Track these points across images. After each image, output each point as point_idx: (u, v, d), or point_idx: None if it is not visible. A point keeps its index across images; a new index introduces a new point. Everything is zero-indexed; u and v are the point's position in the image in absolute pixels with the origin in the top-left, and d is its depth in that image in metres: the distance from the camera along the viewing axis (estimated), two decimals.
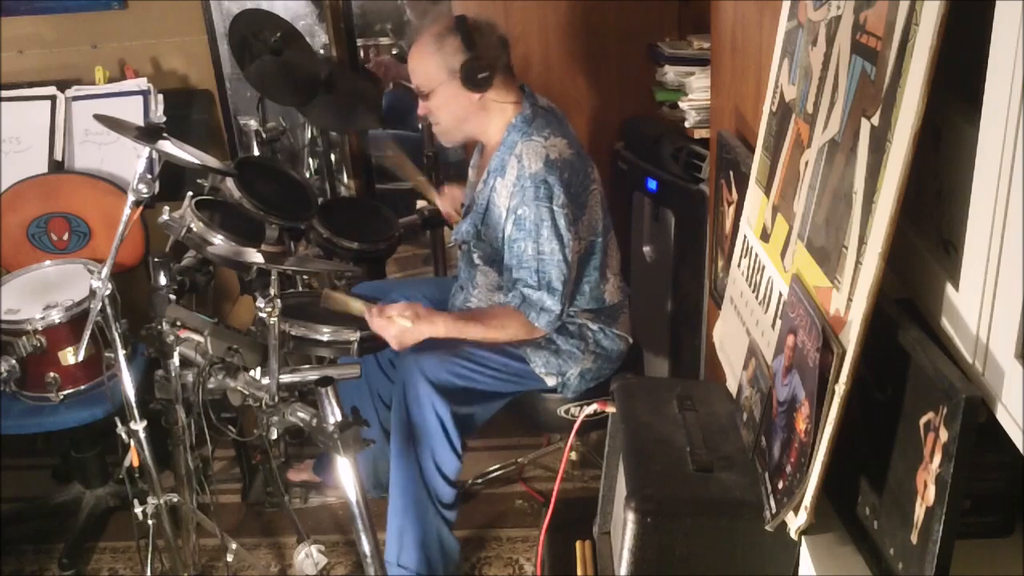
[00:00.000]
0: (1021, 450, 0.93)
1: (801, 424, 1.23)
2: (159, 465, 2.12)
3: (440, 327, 2.13)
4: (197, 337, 1.98)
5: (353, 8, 3.06)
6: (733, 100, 2.07)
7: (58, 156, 2.84)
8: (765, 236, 1.55)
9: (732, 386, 1.67)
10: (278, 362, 1.93)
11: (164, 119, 2.81)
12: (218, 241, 2.06)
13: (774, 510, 1.30)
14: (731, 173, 1.93)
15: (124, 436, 2.05)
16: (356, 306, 2.11)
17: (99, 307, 1.96)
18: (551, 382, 2.29)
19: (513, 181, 2.16)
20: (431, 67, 2.18)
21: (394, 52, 3.60)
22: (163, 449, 2.16)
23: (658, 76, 2.72)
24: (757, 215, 1.61)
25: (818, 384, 1.18)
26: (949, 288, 1.10)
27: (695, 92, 2.56)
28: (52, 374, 2.43)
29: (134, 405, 2.03)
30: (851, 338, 1.13)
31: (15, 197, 2.76)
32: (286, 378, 1.99)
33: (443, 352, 2.21)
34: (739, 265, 1.70)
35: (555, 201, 2.11)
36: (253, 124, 2.73)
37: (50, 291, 2.52)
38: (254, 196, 2.33)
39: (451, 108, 2.22)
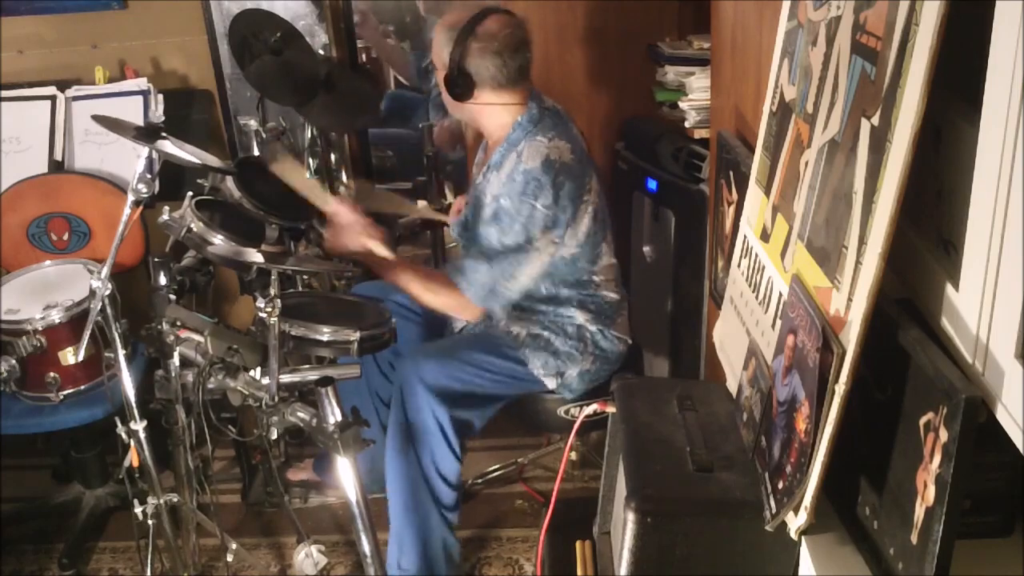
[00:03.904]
0: (1021, 450, 0.93)
1: (801, 424, 1.23)
2: (159, 465, 2.13)
3: (394, 267, 2.18)
4: (197, 337, 1.98)
5: (353, 8, 3.06)
6: (733, 100, 2.07)
7: (58, 156, 2.84)
8: (765, 236, 1.54)
9: (732, 386, 1.67)
10: (278, 362, 1.93)
11: (164, 119, 2.81)
12: (218, 241, 2.06)
13: (774, 510, 1.30)
14: (731, 173, 1.93)
15: (124, 436, 2.05)
16: (307, 183, 2.21)
17: (99, 307, 1.96)
18: (551, 384, 2.28)
19: (508, 173, 2.16)
20: (437, 52, 2.21)
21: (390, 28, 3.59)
22: (163, 449, 2.16)
23: (658, 76, 2.72)
24: (757, 215, 1.61)
25: (818, 384, 1.18)
26: (949, 288, 1.10)
27: (695, 92, 2.56)
28: (52, 374, 2.43)
29: (134, 405, 2.03)
30: (851, 338, 1.13)
31: (15, 197, 2.76)
32: (286, 378, 1.99)
33: (441, 357, 2.21)
34: (739, 265, 1.70)
35: (540, 200, 2.11)
36: (253, 124, 2.73)
37: (50, 291, 2.52)
38: (254, 196, 2.32)
39: (446, 95, 2.24)
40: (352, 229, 2.18)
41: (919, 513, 1.05)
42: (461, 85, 2.16)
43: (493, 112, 2.22)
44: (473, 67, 2.14)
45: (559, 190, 2.12)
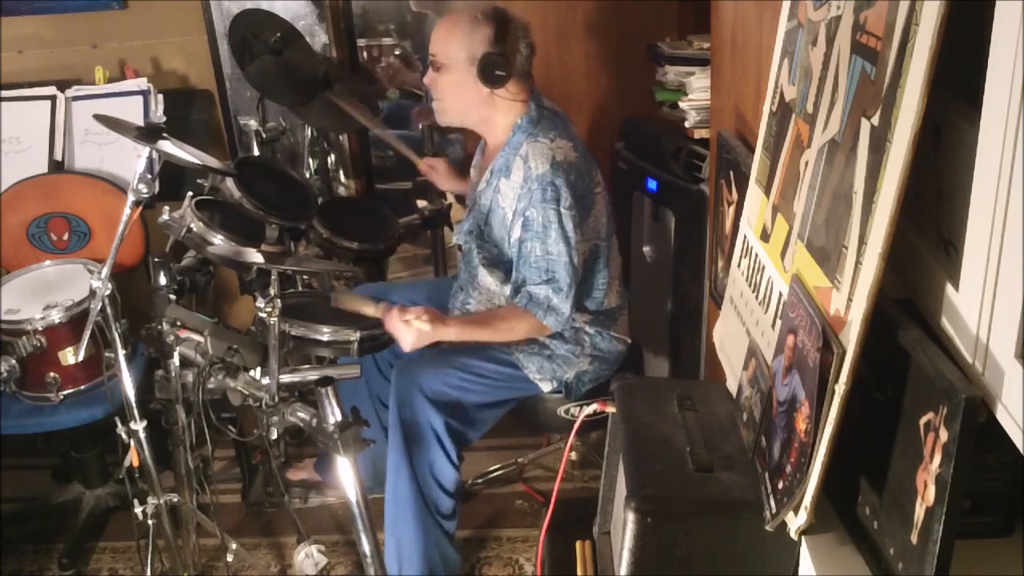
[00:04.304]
0: (1021, 450, 0.93)
1: (801, 424, 1.23)
2: (159, 465, 2.13)
3: (452, 331, 2.13)
4: (197, 337, 1.98)
5: (353, 8, 3.06)
6: (733, 100, 2.07)
7: (58, 156, 2.84)
8: (765, 236, 1.54)
9: (732, 386, 1.67)
10: (278, 362, 1.93)
11: (164, 119, 2.81)
12: (218, 241, 2.06)
13: (774, 510, 1.30)
14: (731, 173, 1.93)
15: (124, 436, 2.05)
16: (369, 309, 2.08)
17: (99, 307, 1.96)
18: (547, 387, 2.28)
19: (520, 183, 2.16)
20: (454, 44, 2.17)
21: (397, 53, 3.60)
22: (163, 449, 2.16)
23: (658, 76, 2.72)
24: (757, 215, 1.61)
25: (818, 384, 1.18)
26: (949, 288, 1.10)
27: (695, 92, 2.56)
28: (52, 374, 2.42)
29: (134, 405, 2.03)
30: (851, 338, 1.13)
31: (15, 197, 2.76)
32: (286, 378, 1.99)
33: (437, 364, 2.21)
34: (739, 265, 1.70)
35: (562, 203, 2.11)
36: (253, 124, 2.73)
37: (50, 291, 2.52)
38: (254, 196, 2.33)
39: (458, 92, 2.21)
40: (403, 333, 2.06)
41: (919, 513, 1.05)
42: (503, 67, 2.15)
43: (503, 108, 2.21)
44: (512, 49, 2.16)
45: (574, 189, 2.13)
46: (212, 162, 2.14)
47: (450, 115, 2.28)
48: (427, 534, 2.24)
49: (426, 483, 2.21)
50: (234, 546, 2.23)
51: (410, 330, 2.04)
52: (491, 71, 2.15)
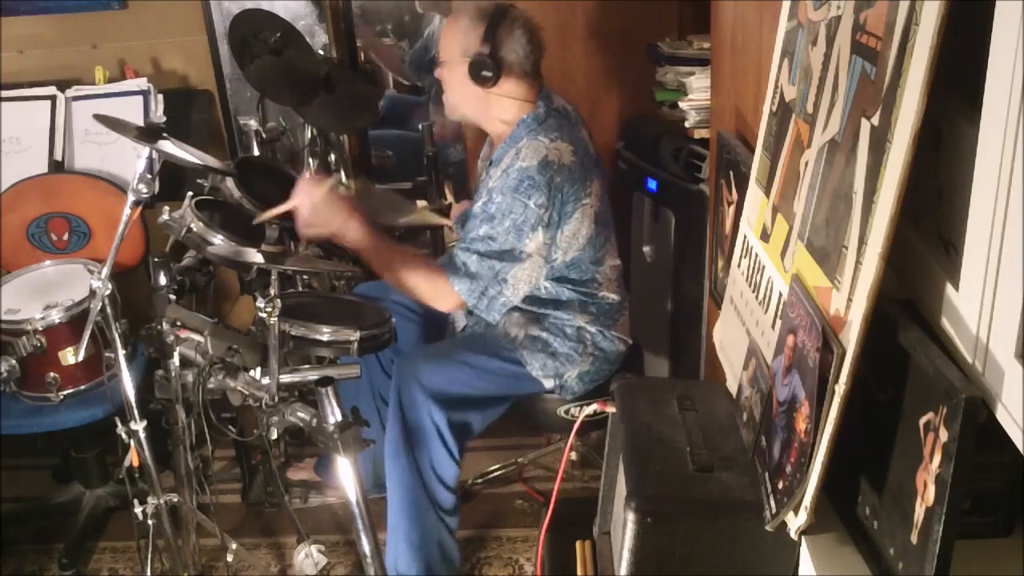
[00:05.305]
0: (1021, 450, 0.93)
1: (801, 424, 1.23)
2: (159, 465, 2.12)
3: (354, 231, 2.15)
4: (197, 337, 1.98)
5: (353, 8, 3.06)
6: (733, 100, 2.07)
7: (58, 156, 2.84)
8: (765, 236, 1.54)
9: (732, 386, 1.67)
10: (278, 362, 1.93)
11: (164, 119, 2.81)
12: (218, 241, 2.05)
13: (774, 510, 1.30)
14: (731, 173, 1.93)
15: (124, 436, 2.05)
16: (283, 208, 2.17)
17: (99, 307, 1.96)
18: (548, 384, 2.28)
19: (503, 170, 2.17)
20: (452, 42, 2.21)
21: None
22: (163, 449, 2.16)
23: (658, 76, 2.72)
24: (757, 215, 1.61)
25: (818, 384, 1.18)
26: (949, 288, 1.10)
27: (695, 92, 2.56)
28: (52, 374, 2.42)
29: (134, 405, 2.03)
30: (851, 338, 1.13)
31: (15, 197, 2.76)
32: (286, 378, 1.99)
33: (438, 359, 2.21)
34: (739, 265, 1.70)
35: (533, 199, 2.10)
36: (253, 124, 2.73)
37: (50, 291, 2.52)
38: (254, 196, 2.33)
39: (457, 87, 2.24)
40: (305, 194, 2.14)
41: (919, 513, 1.05)
42: (491, 68, 2.15)
43: (503, 106, 2.22)
44: (505, 49, 2.15)
45: (555, 190, 2.12)
46: (212, 162, 2.14)
47: (454, 109, 2.31)
48: (429, 530, 2.24)
49: (428, 479, 2.21)
50: (234, 546, 2.23)
51: (315, 193, 2.11)
52: (478, 71, 2.17)
